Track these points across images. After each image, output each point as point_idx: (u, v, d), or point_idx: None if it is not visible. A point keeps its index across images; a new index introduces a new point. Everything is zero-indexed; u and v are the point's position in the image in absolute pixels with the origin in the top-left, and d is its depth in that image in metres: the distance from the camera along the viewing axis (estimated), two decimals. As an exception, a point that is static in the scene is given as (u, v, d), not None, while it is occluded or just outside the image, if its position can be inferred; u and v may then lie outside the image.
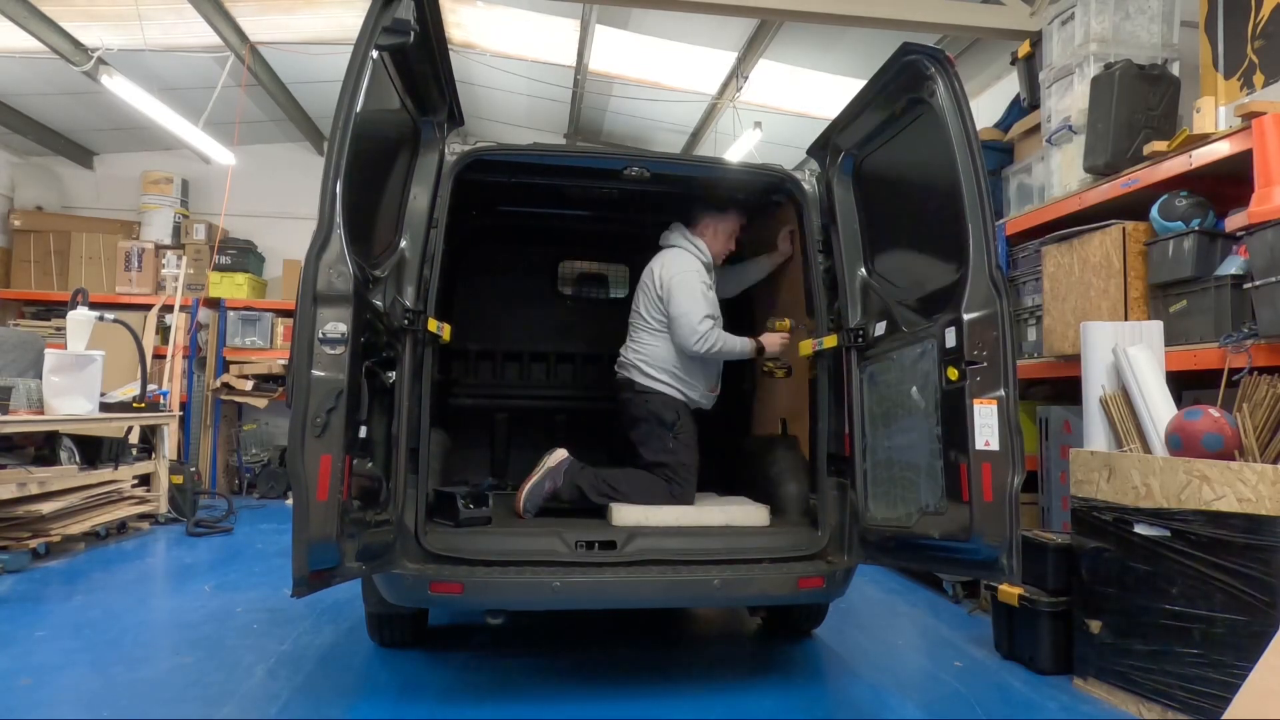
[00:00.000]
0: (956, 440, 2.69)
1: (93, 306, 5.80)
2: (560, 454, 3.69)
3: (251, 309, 8.57)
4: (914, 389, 2.97)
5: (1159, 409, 3.19)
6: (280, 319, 8.54)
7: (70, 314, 5.59)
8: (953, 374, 2.73)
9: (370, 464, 2.75)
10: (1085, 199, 3.99)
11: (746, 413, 4.57)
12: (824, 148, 3.49)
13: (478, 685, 3.20)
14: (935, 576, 4.66)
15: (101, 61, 6.46)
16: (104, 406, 5.73)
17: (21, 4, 5.77)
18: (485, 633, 3.75)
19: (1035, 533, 3.54)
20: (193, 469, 6.99)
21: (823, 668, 3.56)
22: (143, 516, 6.26)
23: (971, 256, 2.72)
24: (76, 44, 6.41)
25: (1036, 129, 4.65)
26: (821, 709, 3.10)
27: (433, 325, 3.04)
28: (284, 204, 8.96)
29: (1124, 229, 3.65)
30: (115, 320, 6.10)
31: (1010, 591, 3.49)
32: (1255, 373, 2.94)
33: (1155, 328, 3.42)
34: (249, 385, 8.31)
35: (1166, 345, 3.40)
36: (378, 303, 2.75)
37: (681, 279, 3.74)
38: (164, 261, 8.61)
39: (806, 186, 3.49)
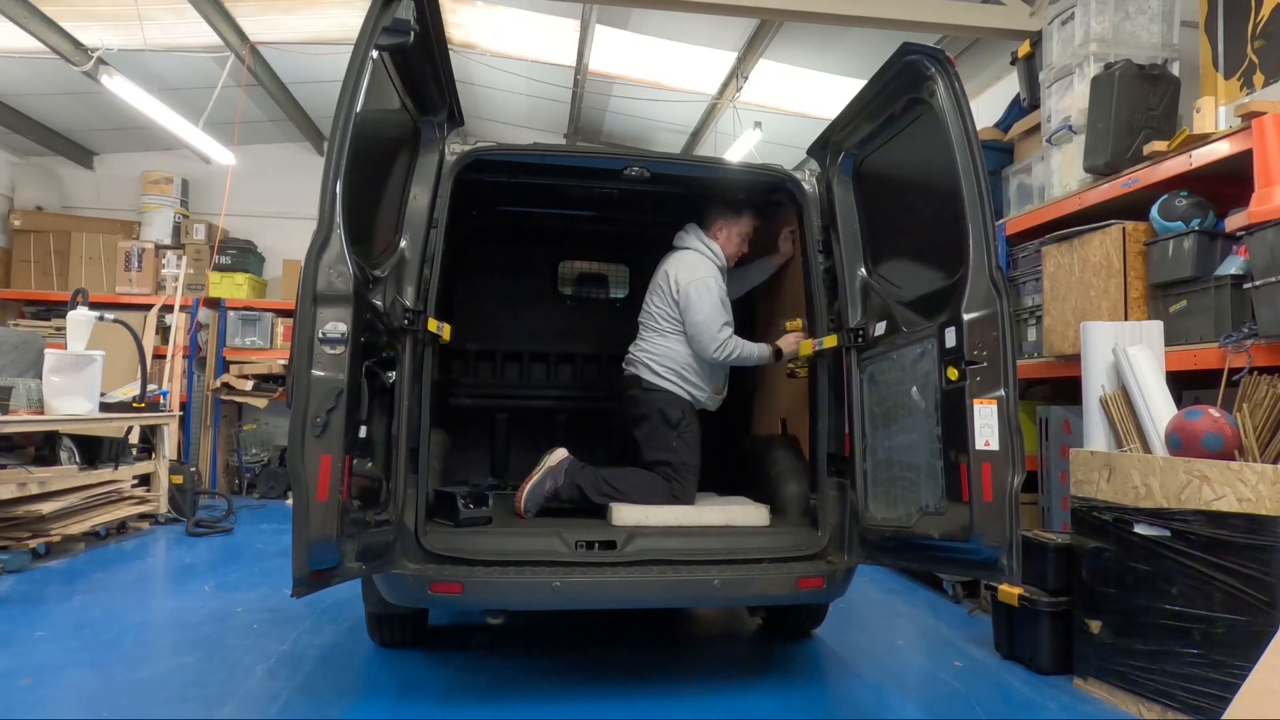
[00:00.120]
0: (956, 440, 2.69)
1: (93, 306, 5.79)
2: (560, 453, 3.69)
3: (251, 309, 8.57)
4: (914, 389, 2.97)
5: (1159, 409, 3.19)
6: (280, 319, 8.54)
7: (70, 314, 5.59)
8: (953, 374, 2.73)
9: (370, 464, 2.75)
10: (1085, 199, 3.99)
11: (746, 413, 4.57)
12: (824, 148, 3.50)
13: (478, 685, 3.20)
14: (935, 576, 4.66)
15: (101, 61, 6.46)
16: (104, 406, 5.73)
17: (21, 4, 5.77)
18: (485, 633, 3.75)
19: (1035, 533, 3.54)
20: (193, 469, 6.99)
21: (823, 668, 3.56)
22: (143, 516, 6.26)
23: (971, 256, 2.72)
24: (76, 44, 6.41)
25: (1036, 129, 4.65)
26: (822, 709, 3.10)
27: (433, 325, 3.04)
28: (284, 204, 8.97)
29: (1124, 229, 3.65)
30: (115, 320, 6.10)
31: (1010, 591, 3.49)
32: (1255, 373, 2.94)
33: (1155, 328, 3.42)
34: (249, 385, 8.31)
35: (1166, 345, 3.40)
36: (378, 303, 2.75)
37: (699, 286, 3.73)
38: (164, 261, 8.62)
39: (806, 186, 3.49)
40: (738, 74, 7.05)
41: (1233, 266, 3.23)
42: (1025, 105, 4.98)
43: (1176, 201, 3.46)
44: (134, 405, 6.19)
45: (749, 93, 7.26)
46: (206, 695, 3.00)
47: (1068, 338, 3.90)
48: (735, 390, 4.37)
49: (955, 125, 2.76)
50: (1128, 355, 3.31)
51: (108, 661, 3.33)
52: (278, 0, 6.49)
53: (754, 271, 4.27)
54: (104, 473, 5.77)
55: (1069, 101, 4.27)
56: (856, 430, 3.22)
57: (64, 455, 5.49)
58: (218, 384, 8.38)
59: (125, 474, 6.05)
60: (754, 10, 5.11)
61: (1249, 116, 3.11)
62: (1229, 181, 3.36)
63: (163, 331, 8.27)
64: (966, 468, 2.63)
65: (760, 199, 4.05)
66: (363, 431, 2.64)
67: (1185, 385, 3.41)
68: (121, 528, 5.98)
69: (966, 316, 2.70)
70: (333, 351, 2.39)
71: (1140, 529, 2.98)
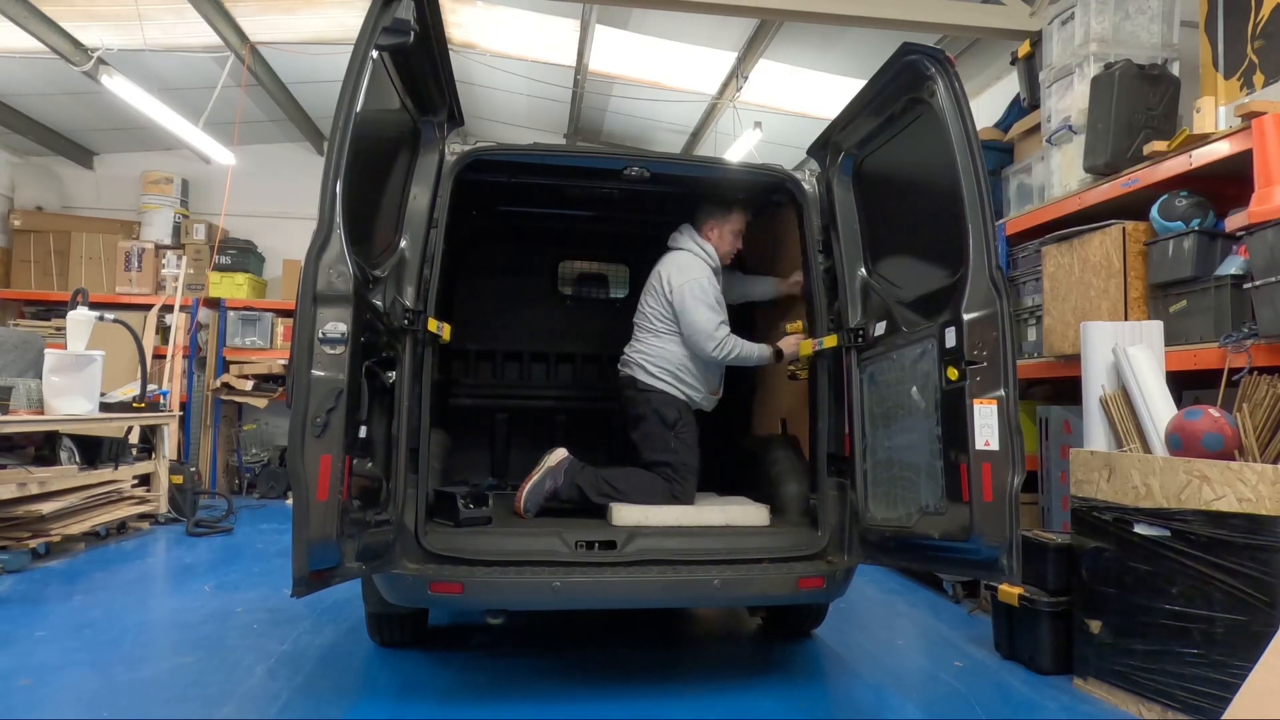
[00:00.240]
0: (956, 440, 2.69)
1: (93, 306, 5.79)
2: (560, 453, 3.69)
3: (251, 309, 8.57)
4: (914, 389, 2.97)
5: (1159, 409, 3.19)
6: (280, 319, 8.54)
7: (70, 314, 5.59)
8: (953, 374, 2.73)
9: (370, 464, 2.75)
10: (1085, 199, 3.99)
11: (746, 413, 4.57)
12: (824, 148, 3.50)
13: (478, 685, 3.20)
14: (935, 576, 4.66)
15: (101, 61, 6.46)
16: (104, 406, 5.73)
17: (21, 4, 5.77)
18: (485, 633, 3.75)
19: (1035, 533, 3.54)
20: (193, 469, 6.99)
21: (823, 668, 3.56)
22: (143, 516, 6.26)
23: (971, 256, 2.72)
24: (76, 44, 6.41)
25: (1036, 129, 4.65)
26: (822, 709, 3.10)
27: (433, 325, 3.04)
28: (284, 204, 8.97)
29: (1124, 229, 3.65)
30: (115, 320, 6.10)
31: (1010, 591, 3.49)
32: (1255, 373, 2.94)
33: (1155, 328, 3.42)
34: (249, 385, 8.31)
35: (1166, 345, 3.40)
36: (378, 303, 2.75)
37: (692, 287, 3.74)
38: (164, 261, 8.62)
39: (806, 186, 3.49)
40: (738, 74, 7.05)
41: (1233, 266, 3.23)
42: (1025, 105, 4.98)
43: (1176, 201, 3.46)
44: (134, 405, 6.19)
45: (749, 93, 7.26)
46: (206, 695, 3.00)
47: (1068, 338, 3.90)
48: (735, 390, 4.37)
49: (955, 125, 2.76)
50: (1128, 355, 3.31)
51: (108, 661, 3.33)
52: (278, 0, 6.49)
53: (758, 287, 4.26)
54: (104, 473, 5.77)
55: (1069, 101, 4.27)
56: (856, 430, 3.22)
57: (64, 455, 5.49)
58: (218, 384, 8.38)
59: (125, 474, 6.05)
60: (754, 10, 5.11)
61: (1249, 116, 3.11)
62: (1229, 181, 3.36)
63: (163, 331, 8.27)
64: (966, 468, 2.63)
65: (760, 199, 4.06)
66: (363, 431, 2.64)
67: (1185, 385, 3.41)
68: (121, 528, 5.98)
69: (966, 316, 2.70)
70: (333, 351, 2.39)
71: (1140, 529, 2.98)
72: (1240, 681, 2.33)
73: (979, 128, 2.84)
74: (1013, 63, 5.11)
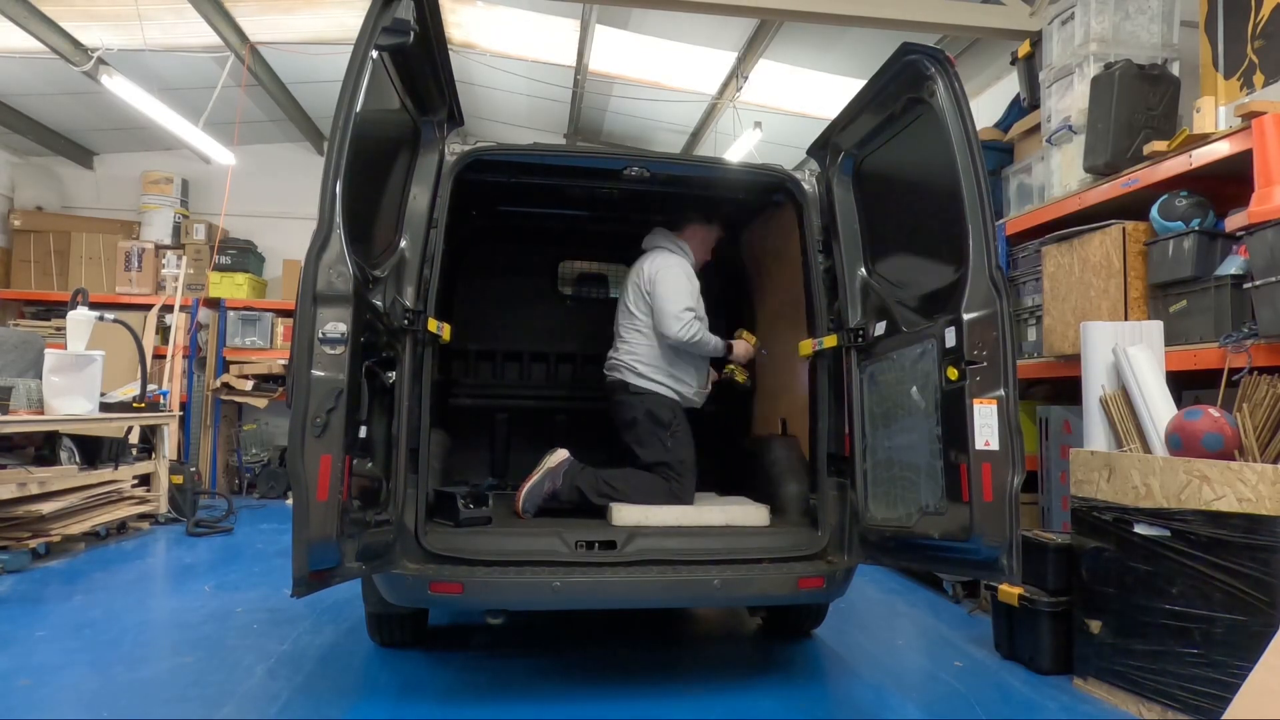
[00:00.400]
0: (956, 440, 2.69)
1: (93, 306, 5.79)
2: (561, 454, 3.69)
3: (251, 309, 8.57)
4: (914, 389, 2.97)
5: (1159, 409, 3.19)
6: (280, 319, 8.54)
7: (70, 314, 5.59)
8: (953, 374, 2.73)
9: (370, 464, 2.75)
10: (1085, 199, 3.99)
11: (746, 413, 4.57)
12: (824, 148, 3.50)
13: (478, 685, 3.20)
14: (935, 576, 4.66)
15: (101, 61, 6.46)
16: (104, 406, 5.73)
17: (21, 4, 5.77)
18: (485, 633, 3.75)
19: (1035, 533, 3.54)
20: (193, 469, 6.99)
21: (823, 668, 3.56)
22: (143, 516, 6.26)
23: (971, 256, 2.72)
24: (76, 44, 6.41)
25: (1036, 129, 4.65)
26: (822, 709, 3.10)
27: (433, 325, 3.04)
28: (284, 204, 8.96)
29: (1124, 229, 3.65)
30: (115, 320, 6.10)
31: (1010, 591, 3.49)
32: (1255, 373, 2.94)
33: (1155, 328, 3.42)
34: (249, 385, 8.31)
35: (1166, 345, 3.40)
36: (378, 303, 2.75)
37: (666, 272, 3.83)
38: (164, 261, 8.62)
39: (806, 186, 3.49)
40: (738, 74, 7.05)
41: (1233, 266, 3.23)
42: (1025, 105, 4.98)
43: (1176, 201, 3.46)
44: (134, 405, 6.19)
45: (749, 93, 7.26)
46: (206, 695, 3.00)
47: (1068, 338, 3.90)
48: (735, 390, 4.38)
49: (955, 125, 2.76)
50: (1128, 355, 3.31)
51: (108, 661, 3.33)
52: (278, 0, 6.49)
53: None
54: (104, 473, 5.77)
55: (1069, 101, 4.27)
56: (856, 430, 3.22)
57: (64, 455, 5.49)
58: (218, 384, 8.38)
59: (125, 474, 6.05)
60: (754, 10, 5.11)
61: (1249, 116, 3.11)
62: (1229, 181, 3.36)
63: (163, 331, 8.27)
64: (966, 468, 2.63)
65: (760, 199, 4.06)
66: (363, 431, 2.64)
67: (1185, 385, 3.41)
68: (121, 528, 5.97)
69: (966, 316, 2.70)
70: (333, 351, 2.39)
71: (1140, 529, 2.98)
72: (1240, 681, 2.33)
73: (979, 128, 2.84)
74: (1013, 63, 5.11)
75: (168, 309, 8.31)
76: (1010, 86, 5.45)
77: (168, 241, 8.70)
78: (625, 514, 3.43)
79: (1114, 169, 3.86)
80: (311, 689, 3.11)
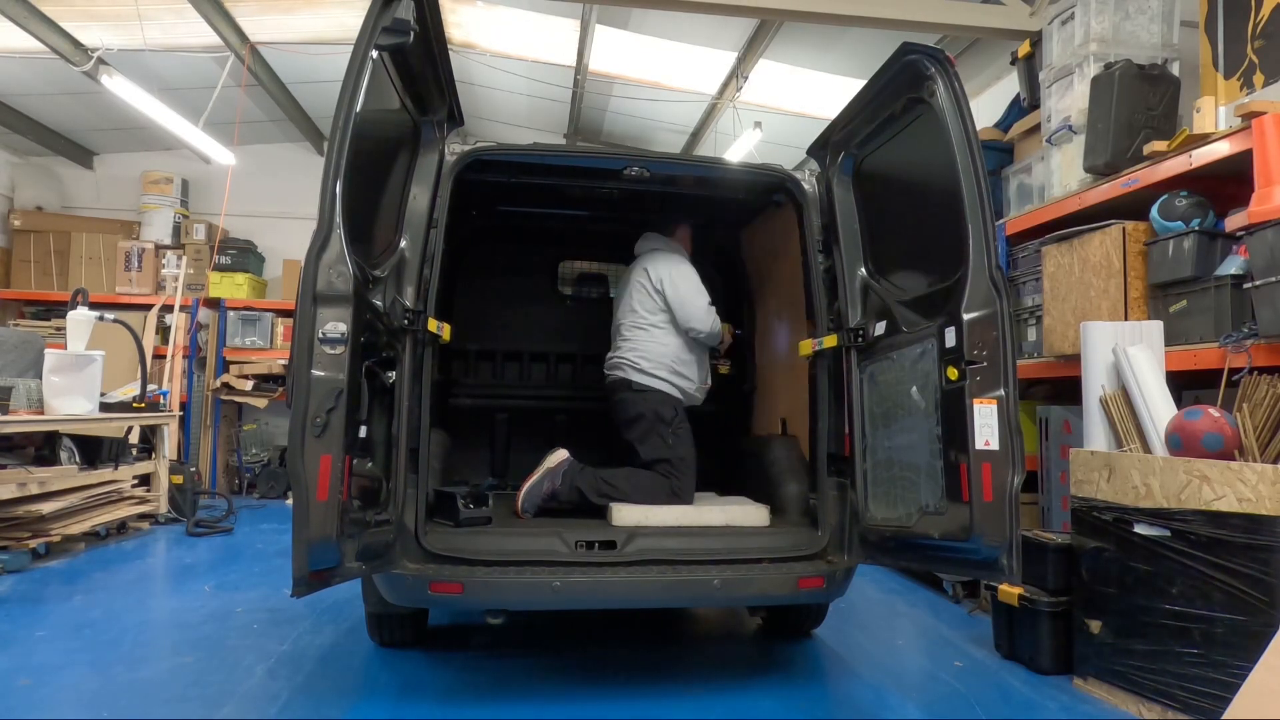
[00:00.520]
0: (956, 440, 2.69)
1: (93, 306, 5.79)
2: (560, 454, 3.69)
3: (251, 309, 8.57)
4: (914, 389, 2.97)
5: (1159, 409, 3.19)
6: (280, 319, 8.54)
7: (70, 314, 5.59)
8: (953, 374, 2.73)
9: (370, 464, 2.75)
10: (1085, 199, 3.99)
11: (746, 413, 4.57)
12: (824, 148, 3.50)
13: (478, 685, 3.20)
14: (935, 576, 4.66)
15: (101, 61, 6.46)
16: (104, 406, 5.73)
17: (21, 4, 5.77)
18: (485, 633, 3.75)
19: (1035, 533, 3.54)
20: (193, 469, 6.98)
21: (823, 668, 3.56)
22: (143, 516, 6.26)
23: (971, 256, 2.72)
24: (76, 44, 6.41)
25: (1036, 129, 4.65)
26: (822, 709, 3.10)
27: (433, 325, 3.04)
28: (284, 204, 8.96)
29: (1124, 229, 3.64)
30: (115, 320, 6.10)
31: (1010, 591, 3.49)
32: (1255, 373, 2.94)
33: (1155, 328, 3.42)
34: (249, 385, 8.31)
35: (1166, 345, 3.40)
36: (378, 303, 2.75)
37: (681, 271, 3.94)
38: (164, 261, 8.61)
39: (806, 186, 3.49)
40: (738, 74, 7.05)
41: (1233, 266, 3.23)
42: (1025, 105, 4.98)
43: (1176, 201, 3.46)
44: (134, 405, 6.19)
45: (749, 93, 7.26)
46: (206, 695, 3.00)
47: (1068, 338, 3.90)
48: (735, 390, 4.37)
49: (955, 125, 2.76)
50: (1128, 355, 3.31)
51: (108, 661, 3.33)
52: (278, 0, 6.49)
53: None
54: (104, 473, 5.77)
55: (1069, 101, 4.27)
56: (856, 430, 3.22)
57: (64, 455, 5.49)
58: (218, 384, 8.38)
59: (125, 474, 6.04)
60: (754, 10, 5.11)
61: (1249, 116, 3.11)
62: (1229, 181, 3.36)
63: (163, 331, 8.27)
64: (966, 467, 2.63)
65: (760, 199, 4.06)
66: (363, 431, 2.64)
67: (1185, 385, 3.41)
68: (121, 528, 5.97)
69: (966, 316, 2.70)
70: (333, 351, 2.39)
71: (1140, 529, 2.98)
72: (1240, 681, 2.33)
73: (979, 128, 2.84)
74: (1013, 63, 5.11)
75: (168, 309, 8.31)
76: (1010, 86, 5.45)
77: (168, 241, 8.70)
78: (625, 514, 3.43)
79: (1114, 169, 3.86)
80: (311, 689, 3.11)
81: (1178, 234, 3.41)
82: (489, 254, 4.74)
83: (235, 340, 8.47)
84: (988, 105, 5.98)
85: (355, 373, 2.48)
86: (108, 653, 3.44)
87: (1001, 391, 2.61)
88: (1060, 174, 4.32)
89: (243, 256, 8.70)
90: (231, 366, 8.46)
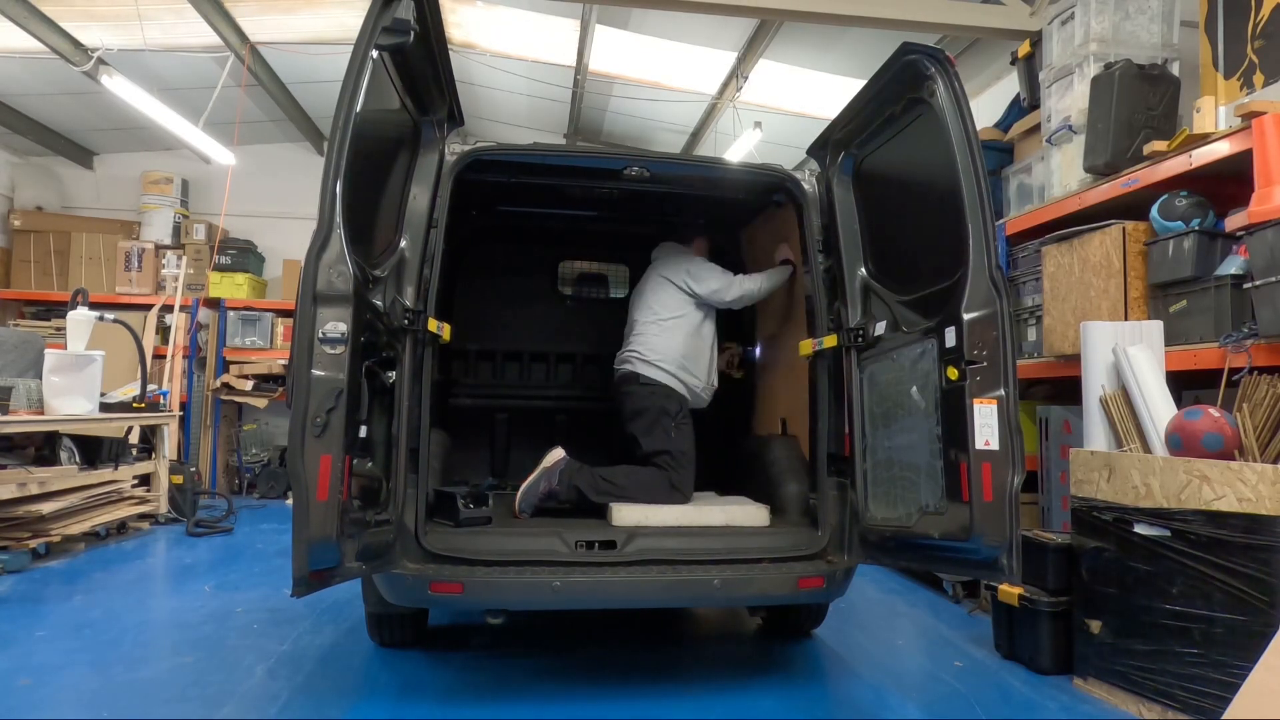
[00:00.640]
0: (956, 440, 2.69)
1: (93, 306, 5.79)
2: (557, 454, 3.69)
3: (251, 309, 8.57)
4: (914, 389, 2.97)
5: (1159, 409, 3.19)
6: (280, 319, 8.54)
7: (70, 314, 5.59)
8: (953, 374, 2.73)
9: (370, 464, 2.75)
10: (1085, 199, 3.99)
11: (747, 413, 4.57)
12: (824, 148, 3.50)
13: (478, 685, 3.20)
14: (935, 576, 4.66)
15: (101, 61, 6.45)
16: (104, 406, 5.73)
17: (21, 4, 5.77)
18: (485, 633, 3.75)
19: (1035, 533, 3.54)
20: (193, 469, 6.98)
21: (823, 668, 3.56)
22: (143, 516, 6.26)
23: (971, 256, 2.72)
24: (76, 44, 6.41)
25: (1036, 129, 4.65)
26: (822, 709, 3.10)
27: (433, 325, 3.04)
28: (284, 204, 8.96)
29: (1124, 229, 3.65)
30: (115, 320, 6.10)
31: (1010, 591, 3.48)
32: (1255, 373, 2.94)
33: (1155, 328, 3.42)
34: (249, 385, 8.31)
35: (1166, 345, 3.40)
36: (378, 302, 2.75)
37: (707, 263, 4.10)
38: (164, 261, 8.61)
39: (806, 186, 3.49)
40: (738, 74, 7.04)
41: (1233, 266, 3.23)
42: (1025, 105, 4.98)
43: (1176, 201, 3.46)
44: (134, 405, 6.19)
45: (749, 93, 7.26)
46: (206, 695, 3.00)
47: (1068, 338, 3.90)
48: (735, 390, 4.37)
49: (955, 125, 2.76)
50: (1128, 355, 3.31)
51: (108, 661, 3.33)
52: (278, 0, 6.49)
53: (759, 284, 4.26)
54: (104, 473, 5.77)
55: (1069, 101, 4.27)
56: (856, 430, 3.22)
57: (64, 455, 5.48)
58: (218, 384, 8.38)
59: (125, 474, 6.04)
60: (754, 10, 5.11)
61: (1249, 116, 3.11)
62: (1229, 181, 3.36)
63: (163, 331, 8.27)
64: (966, 467, 2.63)
65: (760, 199, 4.06)
66: (363, 431, 2.64)
67: (1185, 385, 3.41)
68: (121, 528, 5.97)
69: (966, 316, 2.70)
70: (333, 351, 2.39)
71: (1140, 529, 2.98)
72: (1240, 681, 2.33)
73: (979, 128, 2.84)
74: (1013, 63, 5.11)
75: (168, 309, 8.31)
76: (1010, 86, 5.45)
77: (168, 241, 8.70)
78: (625, 514, 3.43)
79: (1114, 169, 3.86)
80: (311, 689, 3.11)
81: (1178, 234, 3.41)
82: (489, 254, 4.74)
83: (235, 340, 8.47)
84: (988, 105, 5.98)
85: (355, 373, 2.48)
86: (108, 653, 3.44)
87: (1001, 391, 2.61)
88: (1060, 174, 4.32)
89: (243, 256, 8.70)
90: (231, 366, 8.46)
